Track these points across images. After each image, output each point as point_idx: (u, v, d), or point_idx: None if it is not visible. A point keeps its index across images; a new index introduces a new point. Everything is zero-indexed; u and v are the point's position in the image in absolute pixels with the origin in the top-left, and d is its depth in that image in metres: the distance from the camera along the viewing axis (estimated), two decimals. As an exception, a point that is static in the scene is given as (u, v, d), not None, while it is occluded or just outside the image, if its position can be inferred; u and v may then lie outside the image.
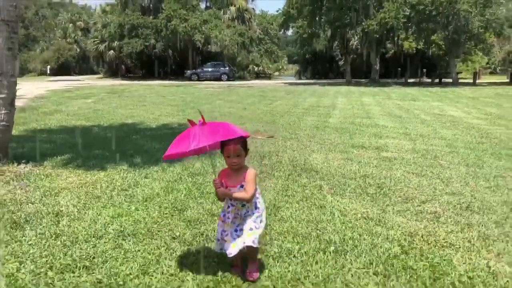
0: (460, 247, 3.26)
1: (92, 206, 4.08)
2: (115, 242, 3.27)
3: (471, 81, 33.67)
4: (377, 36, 32.31)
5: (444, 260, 3.03)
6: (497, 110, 14.32)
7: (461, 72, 39.99)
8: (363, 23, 32.03)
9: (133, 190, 4.64)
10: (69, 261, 2.95)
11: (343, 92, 23.21)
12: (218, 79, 39.03)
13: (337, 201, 4.37)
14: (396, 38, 38.34)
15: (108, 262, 2.95)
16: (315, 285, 2.67)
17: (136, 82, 35.82)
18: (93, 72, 58.23)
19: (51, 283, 2.66)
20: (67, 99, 17.80)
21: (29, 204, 4.09)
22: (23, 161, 5.48)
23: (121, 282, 2.68)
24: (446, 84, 31.35)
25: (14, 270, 2.81)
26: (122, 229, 3.53)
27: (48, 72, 54.30)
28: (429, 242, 3.36)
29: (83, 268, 2.86)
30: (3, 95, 5.09)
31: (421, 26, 31.73)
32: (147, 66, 47.89)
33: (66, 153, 6.41)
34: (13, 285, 2.62)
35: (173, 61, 47.06)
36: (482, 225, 3.72)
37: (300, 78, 51.56)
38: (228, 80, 39.15)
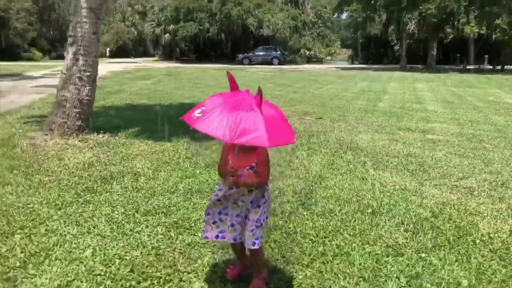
0: (487, 215, 3.62)
1: (163, 169, 4.79)
2: (185, 196, 3.94)
3: (537, 68, 31.74)
4: (435, 20, 31.17)
5: (470, 224, 3.42)
6: (559, 98, 13.73)
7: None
8: (420, 6, 30.99)
9: (195, 158, 5.31)
10: (150, 207, 3.64)
11: (396, 78, 22.90)
12: (269, 63, 39.43)
13: (379, 174, 4.80)
14: (456, 23, 36.64)
15: (181, 210, 3.61)
16: (352, 235, 3.17)
17: (190, 65, 37.07)
18: (149, 55, 60.58)
19: (138, 222, 3.35)
20: (128, 80, 19.03)
21: (112, 165, 4.87)
22: (101, 132, 6.33)
23: (192, 224, 3.32)
24: (509, 72, 29.80)
25: (109, 211, 3.54)
26: (190, 187, 4.19)
27: (107, 54, 57.16)
28: (459, 210, 3.73)
29: (161, 213, 3.54)
30: (87, 73, 5.93)
31: (484, 10, 30.21)
32: (200, 50, 49.15)
33: (135, 126, 7.23)
34: (110, 221, 3.34)
35: (226, 45, 47.96)
36: (499, 201, 4.02)
37: (352, 63, 50.76)
38: (279, 64, 39.44)
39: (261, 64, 39.01)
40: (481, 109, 10.73)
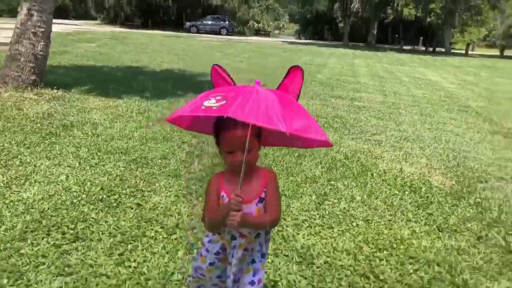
0: (387, 159, 4.59)
1: (118, 120, 5.31)
2: (141, 141, 4.53)
3: (464, 52, 34.57)
4: (377, 0, 32.71)
5: (373, 164, 4.35)
6: (473, 78, 15.50)
7: (455, 43, 40.69)
8: (364, -14, 32.33)
9: (147, 113, 5.85)
10: (111, 149, 4.20)
11: (337, 54, 24.12)
12: (217, 33, 39.36)
13: (308, 130, 5.65)
14: (396, 5, 38.64)
15: (138, 151, 4.21)
16: (281, 170, 3.97)
17: (135, 30, 36.08)
18: (91, 18, 57.73)
19: (101, 158, 3.92)
20: (71, 41, 18.53)
21: (70, 116, 5.30)
22: (55, 87, 6.62)
23: (149, 161, 3.95)
24: (439, 53, 32.25)
25: (74, 150, 4.06)
26: (144, 135, 4.77)
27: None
28: (367, 155, 4.67)
29: (121, 153, 4.12)
30: (42, 29, 6.17)
31: (421, -7, 32.17)
32: (146, 15, 47.76)
33: (86, 84, 7.54)
34: (77, 157, 3.88)
35: (173, 11, 46.96)
36: (409, 148, 5.04)
37: (299, 38, 51.80)
38: (227, 34, 39.50)
39: (209, 33, 38.87)
40: (406, 84, 12.01)
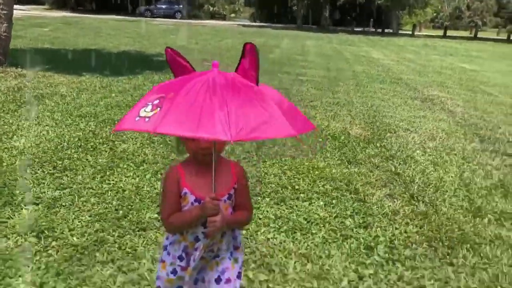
0: (318, 118, 5.53)
1: (84, 93, 5.92)
2: (107, 108, 5.20)
3: (411, 33, 36.57)
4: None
5: (309, 117, 5.26)
6: (413, 56, 16.91)
7: (403, 24, 42.74)
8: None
9: (110, 87, 6.47)
10: (81, 113, 4.86)
11: (290, 35, 25.05)
12: (172, 16, 39.24)
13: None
14: (347, -14, 39.89)
15: (105, 115, 4.89)
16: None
17: (87, 15, 35.41)
18: (38, 3, 55.44)
19: (74, 120, 4.58)
20: (22, 26, 18.26)
21: (39, 89, 5.86)
22: (18, 66, 7.07)
23: (116, 121, 4.64)
24: (387, 34, 33.99)
25: (49, 114, 4.69)
26: (109, 103, 5.44)
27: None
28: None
29: (90, 116, 4.79)
30: (5, 11, 6.59)
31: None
32: (98, 0, 46.55)
33: (47, 64, 7.99)
34: (52, 119, 4.52)
35: (126, -5, 46.03)
36: (339, 111, 6.02)
37: (254, 21, 52.30)
38: (182, 18, 39.46)
39: (164, 17, 38.70)
40: (350, 61, 13.10)
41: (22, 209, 2.57)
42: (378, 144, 4.65)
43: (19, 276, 1.98)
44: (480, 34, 41.82)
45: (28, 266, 2.05)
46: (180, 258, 1.45)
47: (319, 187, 3.37)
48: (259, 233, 2.57)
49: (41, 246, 2.22)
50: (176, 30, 22.90)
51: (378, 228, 2.82)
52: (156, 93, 1.24)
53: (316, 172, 3.68)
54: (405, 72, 11.33)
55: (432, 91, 8.48)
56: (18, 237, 2.27)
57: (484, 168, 4.24)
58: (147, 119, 1.17)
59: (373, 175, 3.76)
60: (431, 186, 3.63)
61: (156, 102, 1.20)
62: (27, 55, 9.32)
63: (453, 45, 25.80)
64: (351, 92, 7.66)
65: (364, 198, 3.26)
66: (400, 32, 37.98)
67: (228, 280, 1.49)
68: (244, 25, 36.78)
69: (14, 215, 2.49)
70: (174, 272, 1.46)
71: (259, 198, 3.06)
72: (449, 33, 41.28)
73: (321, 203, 3.09)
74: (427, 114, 6.41)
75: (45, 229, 2.36)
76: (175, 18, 39.19)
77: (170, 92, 1.21)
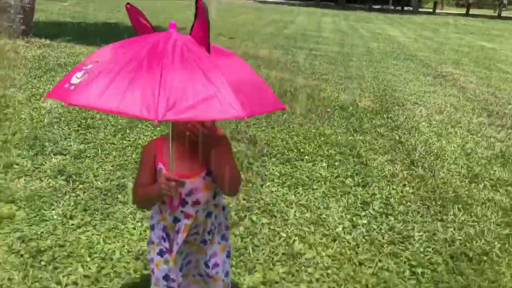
0: (328, 90, 5.69)
1: (104, 63, 6.17)
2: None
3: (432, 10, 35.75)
4: (348, -41, 33.04)
5: (316, 94, 5.44)
6: (431, 33, 16.68)
7: (424, 2, 41.68)
8: None
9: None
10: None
11: (306, 12, 24.84)
12: (190, -8, 39.01)
13: (267, 72, 6.66)
14: (367, -37, 38.97)
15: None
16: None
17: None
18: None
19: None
20: (43, 0, 18.64)
21: (62, 58, 6.14)
22: (42, 37, 7.36)
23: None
24: (407, 12, 33.29)
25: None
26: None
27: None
28: (314, 89, 5.75)
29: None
30: (28, -16, 6.85)
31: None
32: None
33: (69, 35, 8.26)
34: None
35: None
36: (349, 84, 6.16)
37: (272, -2, 51.58)
38: (199, -6, 39.18)
39: (181, -7, 38.51)
40: (365, 38, 13.06)
41: (52, 158, 2.87)
42: (385, 116, 4.81)
43: (52, 209, 2.28)
44: (504, 13, 40.58)
45: (59, 202, 2.35)
46: (164, 239, 1.38)
47: (323, 151, 3.58)
48: (263, 186, 2.82)
49: (70, 188, 2.52)
50: (191, 6, 22.88)
51: (376, 188, 3.03)
52: (95, 58, 1.14)
53: (322, 138, 3.88)
54: (421, 49, 11.27)
55: (446, 68, 8.50)
56: (50, 180, 2.58)
57: (487, 140, 4.38)
58: (72, 87, 1.04)
59: (377, 142, 3.95)
60: (432, 154, 3.81)
61: (89, 67, 1.07)
62: (50, 27, 9.61)
63: (475, 24, 25.20)
64: (363, 68, 7.75)
65: (366, 162, 3.47)
66: (421, 10, 37.11)
67: (215, 265, 1.43)
68: (260, 1, 36.42)
69: (46, 162, 2.80)
70: (161, 253, 1.38)
71: (265, 158, 3.30)
72: (472, 11, 40.15)
73: (324, 164, 3.31)
74: (437, 89, 6.50)
75: (73, 175, 2.66)
76: (192, -7, 38.83)
77: (108, 56, 1.12)
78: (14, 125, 3.41)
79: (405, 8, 36.43)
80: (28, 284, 1.80)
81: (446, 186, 3.19)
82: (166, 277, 1.38)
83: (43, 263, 1.93)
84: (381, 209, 2.74)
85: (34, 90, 4.40)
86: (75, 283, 1.83)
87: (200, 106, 0.98)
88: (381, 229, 2.51)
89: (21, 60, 5.73)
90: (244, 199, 2.63)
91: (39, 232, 2.13)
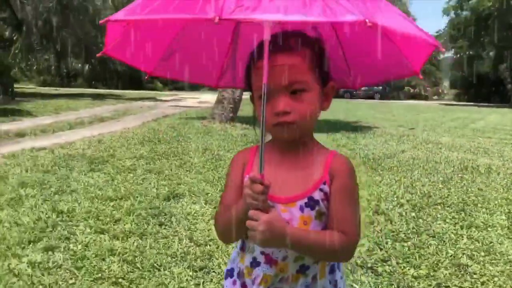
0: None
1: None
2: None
3: None
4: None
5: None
6: None
7: None
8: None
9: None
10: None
11: (500, 112, 22.92)
12: (371, 97, 40.78)
13: (447, 154, 6.56)
14: None
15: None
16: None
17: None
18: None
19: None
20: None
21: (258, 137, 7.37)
22: (243, 123, 8.95)
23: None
24: None
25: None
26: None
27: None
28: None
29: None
30: (240, 81, 8.67)
31: None
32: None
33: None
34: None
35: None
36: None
37: (459, 101, 49.45)
38: (380, 99, 40.60)
39: (363, 98, 40.55)
40: None
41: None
42: None
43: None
44: None
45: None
46: (234, 270, 1.03)
47: None
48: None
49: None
50: (374, 107, 23.86)
51: None
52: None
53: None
54: None
55: None
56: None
57: None
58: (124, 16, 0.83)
59: None
60: None
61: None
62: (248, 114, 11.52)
63: None
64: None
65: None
66: None
67: None
68: (446, 104, 35.33)
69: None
70: None
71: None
72: None
73: None
74: None
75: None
76: (373, 98, 40.63)
77: None
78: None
79: None
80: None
81: None
82: None
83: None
84: None
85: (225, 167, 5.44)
86: None
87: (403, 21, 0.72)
88: None
89: (228, 136, 7.15)
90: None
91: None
